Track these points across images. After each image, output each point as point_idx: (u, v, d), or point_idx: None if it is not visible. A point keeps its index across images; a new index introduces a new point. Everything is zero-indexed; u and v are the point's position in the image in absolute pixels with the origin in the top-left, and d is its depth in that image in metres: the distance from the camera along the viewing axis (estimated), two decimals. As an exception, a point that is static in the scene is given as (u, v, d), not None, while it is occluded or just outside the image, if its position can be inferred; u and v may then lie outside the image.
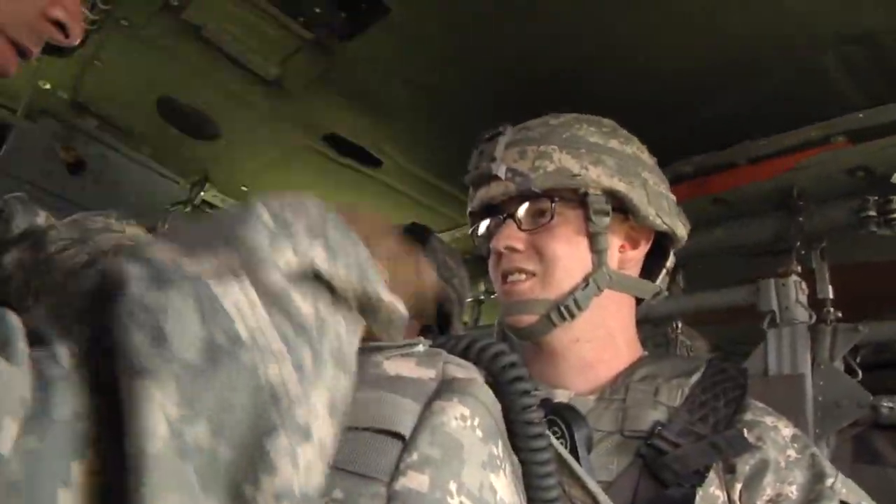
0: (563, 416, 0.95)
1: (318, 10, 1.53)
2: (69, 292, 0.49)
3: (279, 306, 0.47)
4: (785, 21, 1.29)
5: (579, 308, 1.15)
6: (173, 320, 0.43)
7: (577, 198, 1.17)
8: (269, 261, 0.48)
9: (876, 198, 1.62)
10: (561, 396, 1.16)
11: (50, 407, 0.40)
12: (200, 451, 0.41)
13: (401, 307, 0.56)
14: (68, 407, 0.41)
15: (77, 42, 0.88)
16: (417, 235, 1.69)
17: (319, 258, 0.52)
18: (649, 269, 1.27)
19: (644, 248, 1.23)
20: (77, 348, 0.44)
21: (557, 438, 0.92)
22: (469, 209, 1.29)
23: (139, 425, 0.40)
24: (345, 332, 0.53)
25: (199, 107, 2.05)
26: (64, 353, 0.43)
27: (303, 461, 0.45)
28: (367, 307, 0.56)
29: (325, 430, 0.49)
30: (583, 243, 1.17)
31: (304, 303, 0.50)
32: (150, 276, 0.45)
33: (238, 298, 0.45)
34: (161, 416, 0.40)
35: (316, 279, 0.52)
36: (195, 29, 1.66)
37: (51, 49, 1.77)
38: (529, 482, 0.63)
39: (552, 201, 1.16)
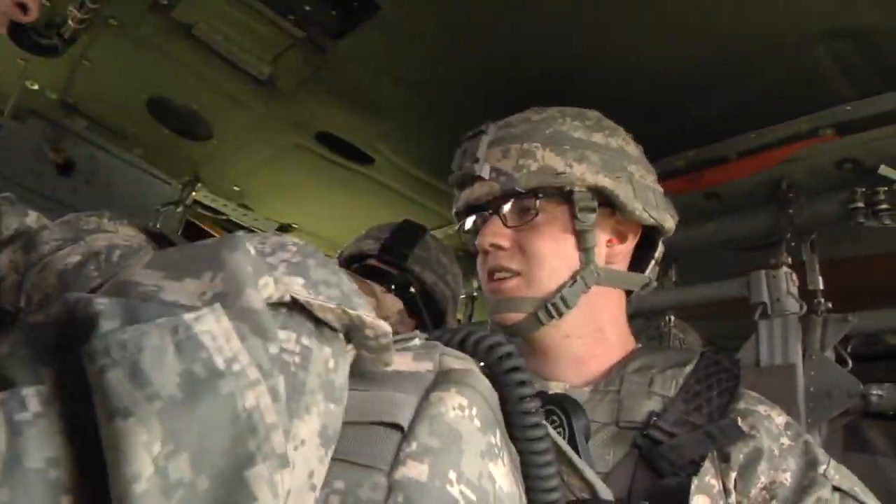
0: (561, 406, 0.96)
1: (308, 9, 1.53)
2: (34, 325, 0.48)
3: (258, 333, 0.47)
4: (776, 18, 1.30)
5: (567, 306, 1.16)
6: (150, 356, 0.42)
7: (563, 195, 1.17)
8: (252, 286, 0.48)
9: (864, 189, 1.63)
10: (555, 389, 1.17)
11: (21, 455, 0.40)
12: (182, 485, 0.40)
13: (386, 327, 0.56)
14: (39, 454, 0.41)
15: (35, 17, 0.90)
16: (410, 233, 1.69)
17: (297, 287, 0.52)
18: (638, 260, 1.27)
19: (632, 242, 1.24)
20: (44, 389, 0.43)
21: (555, 428, 0.93)
22: (454, 209, 1.29)
23: (125, 467, 0.39)
24: (333, 362, 0.53)
25: (191, 106, 2.05)
26: (31, 396, 0.43)
27: (282, 489, 0.44)
28: (353, 332, 0.56)
29: (311, 456, 0.49)
30: (569, 241, 1.17)
31: (284, 331, 0.50)
32: (122, 312, 0.44)
33: (213, 328, 0.45)
34: (146, 455, 0.40)
35: (298, 309, 0.52)
36: (185, 28, 1.66)
37: (38, 49, 1.76)
38: (528, 472, 0.64)
39: (537, 199, 1.16)
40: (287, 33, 1.60)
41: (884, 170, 1.57)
